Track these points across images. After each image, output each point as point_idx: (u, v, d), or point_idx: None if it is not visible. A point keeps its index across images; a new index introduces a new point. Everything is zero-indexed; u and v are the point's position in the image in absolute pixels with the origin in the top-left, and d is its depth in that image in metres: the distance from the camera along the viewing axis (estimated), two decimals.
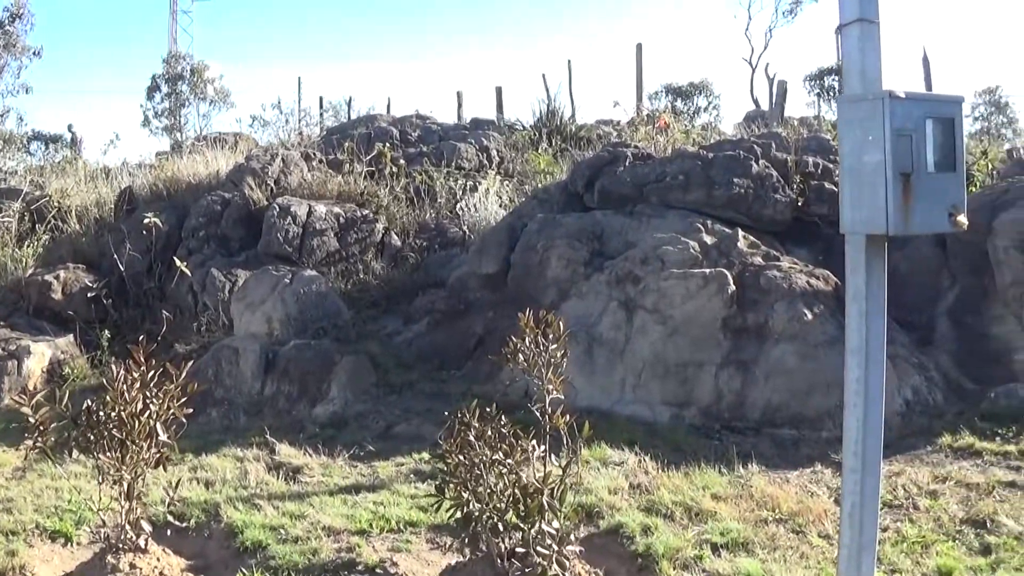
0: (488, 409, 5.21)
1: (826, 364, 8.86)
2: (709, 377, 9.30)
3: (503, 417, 5.22)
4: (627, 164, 12.36)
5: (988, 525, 6.39)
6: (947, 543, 6.15)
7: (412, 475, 7.77)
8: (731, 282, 9.72)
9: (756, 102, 26.81)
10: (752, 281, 9.82)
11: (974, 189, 12.65)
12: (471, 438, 5.08)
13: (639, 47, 21.01)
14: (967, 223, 3.81)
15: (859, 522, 3.90)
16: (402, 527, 6.65)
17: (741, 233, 10.69)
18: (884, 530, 6.35)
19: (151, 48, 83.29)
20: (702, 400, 9.24)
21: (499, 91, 24.01)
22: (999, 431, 8.37)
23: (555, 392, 5.71)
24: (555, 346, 5.75)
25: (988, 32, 59.99)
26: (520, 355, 5.78)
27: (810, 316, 9.38)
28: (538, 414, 5.67)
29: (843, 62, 3.85)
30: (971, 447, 8.11)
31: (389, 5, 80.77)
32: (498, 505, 5.04)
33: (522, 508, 5.00)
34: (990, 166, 13.62)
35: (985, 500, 6.85)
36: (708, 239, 10.50)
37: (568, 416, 5.53)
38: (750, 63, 28.73)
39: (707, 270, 9.86)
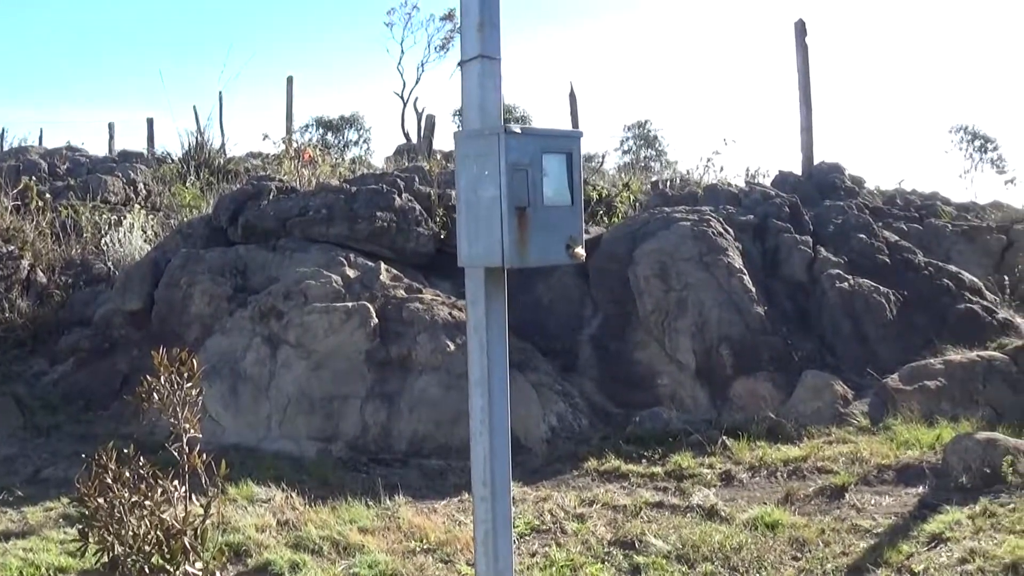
0: (126, 450, 5.08)
1: None
2: (355, 410, 9.27)
3: (142, 458, 5.10)
4: (271, 198, 12.18)
5: (636, 546, 6.61)
6: (596, 565, 6.32)
7: (62, 520, 7.35)
8: (374, 315, 9.77)
9: (407, 136, 27.13)
10: (395, 314, 9.91)
11: (616, 220, 13.34)
12: (109, 480, 4.91)
13: (289, 80, 20.83)
14: (584, 255, 3.93)
15: (493, 549, 3.92)
16: (52, 573, 6.27)
17: (384, 266, 10.76)
18: (532, 555, 6.52)
19: None
20: (348, 433, 9.17)
21: (150, 122, 23.29)
22: (644, 453, 8.75)
23: (193, 431, 5.54)
24: (190, 384, 5.57)
25: (640, 69, 63.86)
26: (155, 394, 5.56)
27: (453, 347, 9.54)
28: (176, 454, 5.49)
29: (462, 97, 3.86)
30: (617, 470, 8.43)
31: (39, 35, 75.90)
32: (143, 547, 4.91)
33: (166, 550, 4.90)
34: (633, 197, 14.40)
35: (633, 521, 7.10)
36: (351, 272, 10.49)
37: (207, 455, 5.38)
38: (401, 97, 29.07)
39: (350, 304, 9.86)
